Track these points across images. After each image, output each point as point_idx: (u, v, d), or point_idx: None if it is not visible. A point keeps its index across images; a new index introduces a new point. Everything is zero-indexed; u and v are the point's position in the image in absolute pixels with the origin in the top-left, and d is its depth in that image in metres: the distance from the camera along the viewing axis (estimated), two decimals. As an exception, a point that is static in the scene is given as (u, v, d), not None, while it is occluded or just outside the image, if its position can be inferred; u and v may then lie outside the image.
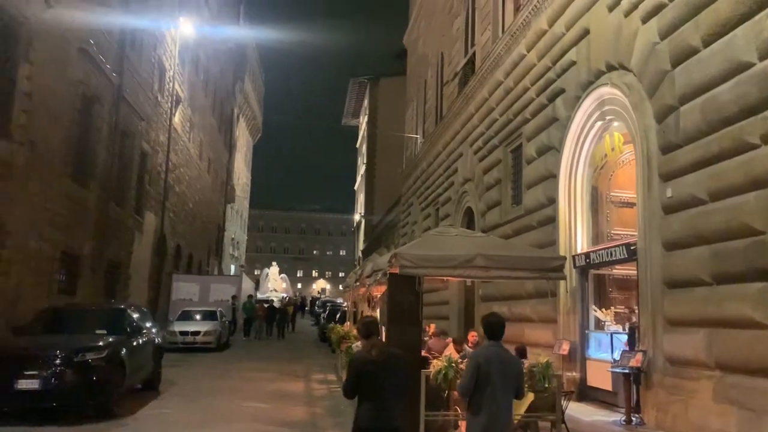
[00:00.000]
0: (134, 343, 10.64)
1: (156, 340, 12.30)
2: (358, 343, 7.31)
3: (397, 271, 8.00)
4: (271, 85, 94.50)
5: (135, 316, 11.69)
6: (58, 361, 8.92)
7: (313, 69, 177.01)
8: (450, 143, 20.43)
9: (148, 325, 12.15)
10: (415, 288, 8.22)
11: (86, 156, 17.58)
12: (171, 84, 26.31)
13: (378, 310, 13.68)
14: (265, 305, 30.29)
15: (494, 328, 5.16)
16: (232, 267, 49.62)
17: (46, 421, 8.76)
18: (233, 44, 44.53)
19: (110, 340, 9.89)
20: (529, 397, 7.68)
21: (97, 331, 10.33)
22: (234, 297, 27.44)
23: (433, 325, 12.61)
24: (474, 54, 18.53)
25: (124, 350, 9.96)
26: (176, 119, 27.64)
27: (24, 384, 8.67)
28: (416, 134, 27.70)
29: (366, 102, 49.67)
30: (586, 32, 11.44)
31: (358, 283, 13.61)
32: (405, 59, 33.10)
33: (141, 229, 23.24)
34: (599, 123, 11.46)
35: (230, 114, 46.04)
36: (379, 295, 12.45)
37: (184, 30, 27.00)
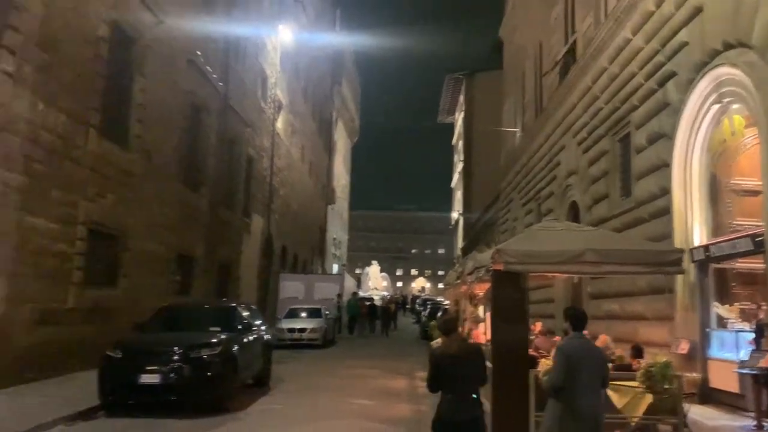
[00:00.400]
0: (245, 340, 11.02)
1: (265, 337, 12.70)
2: (438, 340, 7.30)
3: (500, 267, 7.78)
4: (366, 87, 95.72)
5: (245, 313, 12.12)
6: (176, 357, 9.41)
7: (408, 69, 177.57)
8: (551, 135, 19.80)
9: (257, 322, 12.56)
10: (520, 285, 7.97)
11: (196, 162, 18.51)
12: (273, 90, 27.22)
13: (481, 308, 13.46)
14: (367, 303, 30.71)
15: (579, 318, 5.28)
16: (335, 266, 50.72)
17: (167, 414, 9.23)
18: (330, 50, 45.49)
19: (223, 337, 10.28)
20: (647, 398, 7.26)
21: (211, 329, 10.76)
22: (339, 295, 28.03)
23: (539, 324, 12.24)
24: (575, 41, 17.86)
25: (236, 347, 10.33)
26: (279, 125, 28.57)
27: (146, 378, 9.23)
28: (515, 128, 27.06)
29: (462, 98, 49.14)
30: (699, 10, 10.68)
31: (459, 281, 13.43)
32: (501, 53, 32.44)
33: (249, 230, 24.20)
34: (716, 106, 10.66)
35: (329, 118, 47.08)
36: (481, 293, 12.23)
37: (283, 37, 27.86)
